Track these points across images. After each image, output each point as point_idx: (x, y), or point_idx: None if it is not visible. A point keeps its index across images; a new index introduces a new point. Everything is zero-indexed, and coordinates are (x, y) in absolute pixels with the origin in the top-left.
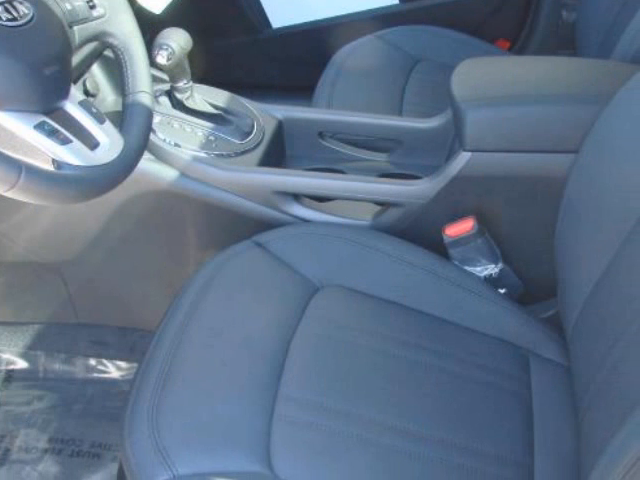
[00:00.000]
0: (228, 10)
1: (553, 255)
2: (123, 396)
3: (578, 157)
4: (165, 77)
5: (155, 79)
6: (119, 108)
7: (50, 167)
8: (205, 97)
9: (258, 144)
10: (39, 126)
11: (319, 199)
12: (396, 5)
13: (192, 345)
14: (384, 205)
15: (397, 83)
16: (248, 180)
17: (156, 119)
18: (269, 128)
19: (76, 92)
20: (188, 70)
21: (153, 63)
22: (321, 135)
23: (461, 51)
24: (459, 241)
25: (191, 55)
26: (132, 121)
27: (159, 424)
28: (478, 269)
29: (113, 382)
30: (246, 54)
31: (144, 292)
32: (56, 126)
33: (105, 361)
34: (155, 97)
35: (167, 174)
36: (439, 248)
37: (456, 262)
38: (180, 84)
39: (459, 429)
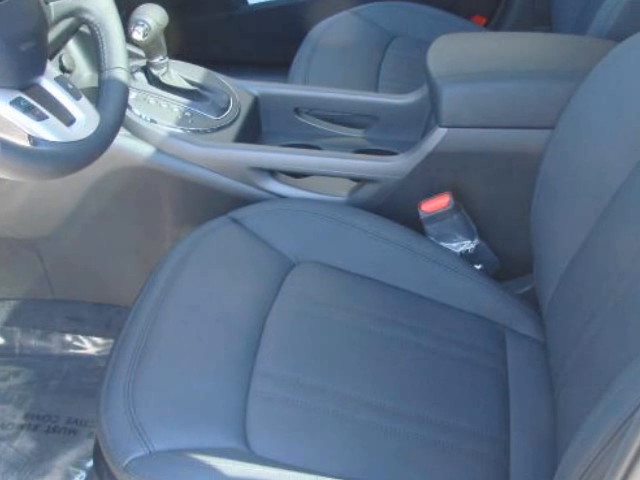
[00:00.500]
0: None
1: (529, 231)
2: (99, 372)
3: (554, 133)
4: (141, 53)
5: (131, 55)
6: (95, 84)
7: (26, 143)
8: (181, 73)
9: (234, 120)
10: (15, 102)
11: (295, 175)
12: None
13: (168, 321)
14: (360, 181)
15: (373, 59)
16: (224, 156)
17: (132, 95)
18: (245, 104)
19: (52, 68)
20: (164, 46)
21: (129, 39)
22: (297, 111)
23: (437, 27)
24: (435, 217)
25: (167, 31)
26: (108, 97)
27: (135, 400)
28: (454, 245)
29: (89, 358)
30: (222, 30)
31: (120, 268)
32: (32, 102)
33: (81, 337)
34: (131, 73)
35: (143, 150)
36: (415, 224)
37: (432, 238)
38: (156, 60)
39: (435, 405)
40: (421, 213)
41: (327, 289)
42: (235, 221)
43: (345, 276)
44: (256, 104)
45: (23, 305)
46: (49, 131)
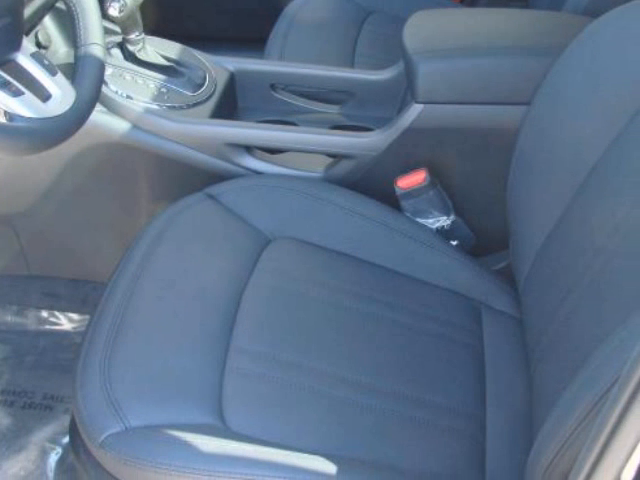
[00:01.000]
0: None
1: (505, 207)
2: (75, 348)
3: (530, 109)
4: (117, 29)
5: (107, 31)
6: (71, 60)
7: (2, 119)
8: (157, 49)
9: (210, 96)
10: None
11: (271, 151)
12: None
13: (144, 297)
14: (336, 157)
15: (349, 35)
16: (200, 132)
17: (108, 71)
18: (221, 80)
19: (28, 44)
20: (140, 22)
21: (105, 15)
22: (273, 87)
23: (413, 3)
24: (411, 193)
25: (143, 7)
26: (84, 73)
27: (111, 376)
28: (430, 221)
29: (65, 334)
30: (198, 6)
31: (96, 244)
32: (8, 78)
33: (57, 313)
34: (107, 49)
35: (119, 126)
36: (391, 200)
37: (408, 214)
38: (132, 36)
39: (411, 381)
40: (397, 189)
41: (303, 265)
42: (211, 197)
43: (321, 252)
44: (232, 80)
45: None
46: (25, 107)
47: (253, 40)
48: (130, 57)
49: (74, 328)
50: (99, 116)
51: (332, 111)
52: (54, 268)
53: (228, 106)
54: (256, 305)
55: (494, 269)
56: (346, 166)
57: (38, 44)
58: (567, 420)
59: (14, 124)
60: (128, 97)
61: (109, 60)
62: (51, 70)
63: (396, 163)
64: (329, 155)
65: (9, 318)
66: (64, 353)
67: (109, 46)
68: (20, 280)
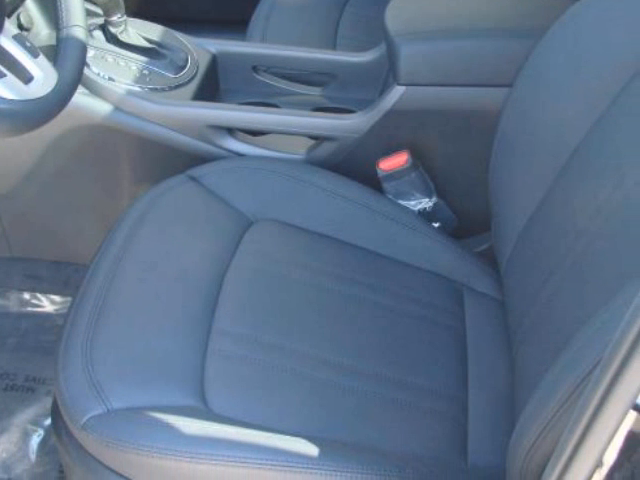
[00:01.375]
0: None
1: (487, 189)
2: (57, 330)
3: (512, 91)
4: (99, 11)
5: (89, 13)
6: (53, 42)
7: None
8: (139, 31)
9: (192, 78)
10: None
11: (253, 133)
12: None
13: (126, 279)
14: (318, 139)
15: (331, 17)
16: (182, 114)
17: (90, 53)
18: (203, 62)
19: (10, 26)
20: (122, 4)
21: None
22: (255, 69)
23: None
24: (393, 175)
25: None
26: (66, 55)
27: (93, 358)
28: (412, 203)
29: (47, 316)
30: None
31: (78, 226)
32: None
33: (39, 295)
34: (89, 31)
35: (101, 108)
36: (373, 182)
37: (390, 196)
38: (114, 18)
39: (393, 363)
40: (379, 171)
41: (285, 247)
42: (193, 179)
43: (303, 234)
44: (214, 62)
45: None
46: (7, 89)
47: (235, 22)
48: (112, 39)
49: (56, 310)
50: (81, 98)
51: (314, 93)
52: (36, 250)
53: (210, 88)
54: (238, 287)
55: (476, 251)
56: (328, 148)
57: (20, 26)
58: (549, 402)
59: None
60: (110, 79)
61: (91, 42)
62: (33, 52)
63: (378, 145)
64: (311, 137)
65: None
66: (46, 335)
67: (91, 28)
68: (2, 262)
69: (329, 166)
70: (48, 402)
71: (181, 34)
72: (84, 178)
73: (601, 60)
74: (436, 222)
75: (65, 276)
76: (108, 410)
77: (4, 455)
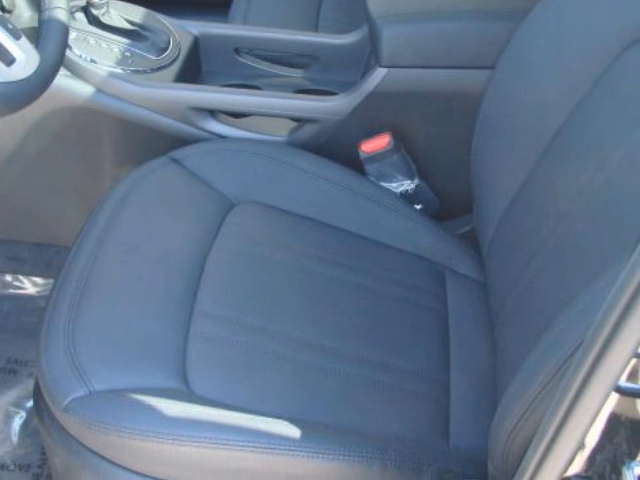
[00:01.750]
0: None
1: (469, 171)
2: (39, 312)
3: (494, 73)
4: None
5: None
6: (35, 24)
7: None
8: (121, 13)
9: (174, 60)
10: None
11: (235, 115)
12: None
13: (108, 261)
14: (300, 121)
15: None
16: (164, 96)
17: (72, 35)
18: (185, 44)
19: None
20: None
21: None
22: (237, 51)
23: None
24: (375, 157)
25: None
26: (48, 37)
27: (75, 340)
28: (394, 185)
29: (29, 298)
30: None
31: (60, 208)
32: None
33: (21, 277)
34: (71, 13)
35: (83, 90)
36: (355, 164)
37: (372, 178)
38: (96, 0)
39: (375, 345)
40: (361, 153)
41: (267, 229)
42: (175, 161)
43: (285, 216)
44: (196, 44)
45: None
46: None
47: (217, 4)
48: (94, 21)
49: (38, 292)
50: (63, 80)
51: (296, 75)
52: (18, 232)
53: (192, 70)
54: (220, 269)
55: (458, 233)
56: (310, 130)
57: (2, 8)
58: (531, 384)
59: None
60: (92, 61)
61: (73, 24)
62: (15, 34)
63: (360, 127)
64: (293, 119)
65: None
66: (28, 317)
67: (73, 10)
68: None
69: (311, 148)
70: (30, 384)
71: (163, 16)
72: (66, 160)
73: (583, 42)
74: (418, 204)
75: (47, 258)
76: (90, 392)
77: None
